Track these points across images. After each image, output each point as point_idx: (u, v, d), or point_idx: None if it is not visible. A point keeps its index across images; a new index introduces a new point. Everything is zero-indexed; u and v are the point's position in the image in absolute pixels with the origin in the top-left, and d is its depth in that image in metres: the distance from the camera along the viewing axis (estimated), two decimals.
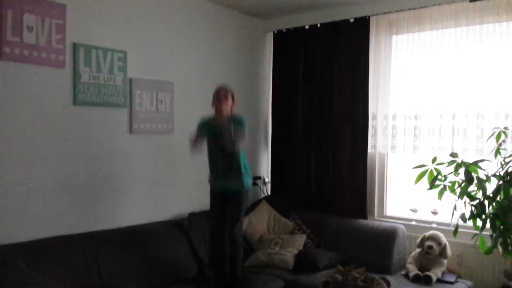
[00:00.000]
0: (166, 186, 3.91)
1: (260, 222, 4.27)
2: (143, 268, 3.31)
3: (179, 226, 3.74)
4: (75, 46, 3.21)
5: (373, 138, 4.20)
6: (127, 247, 3.31)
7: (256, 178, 4.82)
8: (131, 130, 3.62)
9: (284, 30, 4.74)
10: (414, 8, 3.92)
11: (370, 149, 4.20)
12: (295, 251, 3.90)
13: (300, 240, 4.03)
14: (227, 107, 3.38)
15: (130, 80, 3.59)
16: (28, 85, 2.98)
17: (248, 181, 3.47)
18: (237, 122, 3.36)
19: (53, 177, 3.13)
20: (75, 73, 3.22)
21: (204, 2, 4.23)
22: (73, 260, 2.99)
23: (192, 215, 3.92)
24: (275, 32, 4.82)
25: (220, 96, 3.38)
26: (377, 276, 2.74)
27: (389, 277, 3.22)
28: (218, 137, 3.35)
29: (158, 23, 3.82)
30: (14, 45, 2.89)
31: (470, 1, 3.66)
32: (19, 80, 2.94)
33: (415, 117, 3.96)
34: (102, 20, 3.40)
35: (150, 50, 3.76)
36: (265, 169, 4.97)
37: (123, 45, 3.53)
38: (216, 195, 3.50)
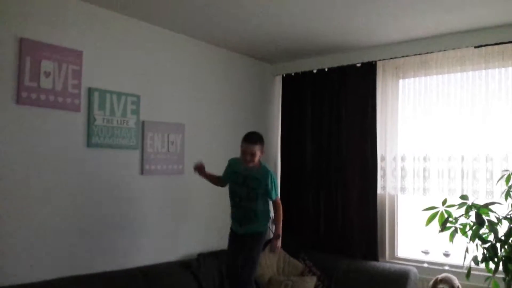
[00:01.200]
0: (175, 226, 3.92)
1: (269, 263, 4.23)
2: None
3: (188, 267, 3.72)
4: (90, 91, 3.31)
5: (382, 179, 4.21)
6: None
7: None
8: (142, 171, 3.67)
9: (293, 74, 4.84)
10: (420, 54, 4.02)
11: (379, 190, 4.21)
12: None
13: (310, 283, 3.99)
14: (253, 161, 3.44)
15: (143, 122, 3.67)
16: (43, 128, 3.05)
17: (265, 225, 3.59)
18: (262, 175, 3.45)
19: (64, 218, 3.16)
20: (90, 116, 3.30)
21: (214, 47, 4.36)
22: None
23: (201, 256, 3.91)
24: (284, 75, 4.93)
25: (246, 155, 3.42)
26: None
27: None
28: (245, 181, 3.48)
29: (170, 68, 3.93)
30: (32, 90, 2.98)
31: (475, 47, 3.74)
32: (35, 124, 3.01)
33: (424, 159, 3.98)
34: (117, 66, 3.51)
35: (162, 94, 3.86)
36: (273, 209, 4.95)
37: (136, 89, 3.63)
38: (234, 233, 3.59)
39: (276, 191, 3.56)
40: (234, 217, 3.59)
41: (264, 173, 3.48)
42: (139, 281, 3.36)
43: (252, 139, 3.44)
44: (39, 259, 3.01)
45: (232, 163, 3.64)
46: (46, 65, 3.06)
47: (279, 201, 3.58)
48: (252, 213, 3.50)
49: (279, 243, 3.53)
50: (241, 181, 3.50)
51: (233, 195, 3.57)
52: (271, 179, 3.49)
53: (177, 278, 3.59)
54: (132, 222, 3.59)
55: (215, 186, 4.21)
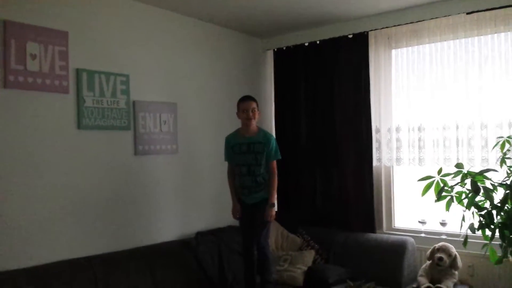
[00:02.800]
0: (172, 206, 3.91)
1: None
2: None
3: (186, 246, 3.73)
4: (78, 72, 3.25)
5: (378, 151, 4.20)
6: (136, 269, 3.31)
7: None
8: (135, 152, 3.64)
9: (284, 48, 4.78)
10: (411, 22, 3.96)
11: (375, 163, 4.20)
12: (304, 268, 3.87)
13: (309, 256, 4.01)
14: (255, 121, 3.55)
15: (133, 102, 3.62)
16: (32, 112, 3.01)
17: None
18: (266, 139, 3.54)
19: (59, 201, 3.14)
20: (79, 98, 3.25)
21: (203, 23, 4.28)
22: (82, 284, 2.99)
23: (199, 234, 3.92)
24: (275, 50, 4.86)
25: (249, 112, 3.50)
26: None
27: None
28: (249, 148, 3.52)
29: (158, 46, 3.86)
30: (18, 73, 2.93)
31: (467, 14, 3.69)
32: (23, 107, 2.97)
33: (419, 129, 3.96)
34: (104, 45, 3.44)
35: (152, 72, 3.80)
36: None
37: (125, 68, 3.57)
38: (245, 207, 3.61)
39: (277, 153, 3.61)
40: (245, 185, 3.57)
41: (265, 135, 3.59)
42: (140, 261, 3.37)
43: (249, 97, 3.60)
44: (36, 243, 3.00)
45: (230, 139, 3.66)
46: (32, 47, 3.00)
47: (275, 165, 3.61)
48: (260, 178, 3.54)
49: (273, 211, 3.56)
50: (245, 149, 3.54)
51: (241, 165, 3.57)
52: (274, 140, 3.60)
53: (177, 257, 3.61)
54: (128, 203, 3.58)
55: (210, 166, 4.22)
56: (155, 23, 3.85)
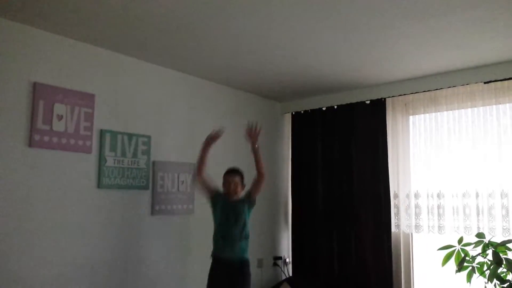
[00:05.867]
0: (185, 267, 3.86)
1: None
2: None
3: None
4: (101, 132, 3.35)
5: (396, 217, 4.14)
6: None
7: (277, 258, 4.74)
8: (152, 211, 3.66)
9: (302, 112, 4.87)
10: (429, 90, 4.02)
11: (394, 229, 4.13)
12: None
13: None
14: (238, 194, 3.47)
15: (153, 162, 3.69)
16: (55, 170, 3.08)
17: (247, 252, 3.47)
18: (247, 203, 3.46)
19: (74, 258, 3.14)
20: (101, 158, 3.33)
21: (223, 87, 4.42)
22: None
23: None
24: (293, 113, 4.96)
25: (230, 185, 3.44)
26: None
27: None
28: (229, 214, 3.42)
29: (180, 108, 3.98)
30: (44, 133, 3.03)
31: (484, 83, 3.74)
32: (47, 165, 3.05)
33: (438, 196, 3.92)
34: (128, 107, 3.56)
35: (173, 134, 3.89)
36: (285, 249, 4.89)
37: (147, 130, 3.67)
38: (220, 265, 3.38)
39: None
40: (226, 235, 3.41)
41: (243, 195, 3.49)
42: None
43: (233, 170, 3.55)
44: None
45: (217, 194, 3.52)
46: (59, 108, 3.12)
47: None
48: (245, 231, 3.46)
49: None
50: (230, 209, 3.43)
51: (226, 216, 3.45)
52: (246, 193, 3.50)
53: None
54: (142, 264, 3.55)
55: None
56: (177, 86, 3.98)
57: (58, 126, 3.10)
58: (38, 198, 2.99)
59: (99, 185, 3.31)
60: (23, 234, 2.89)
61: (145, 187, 3.61)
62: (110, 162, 3.38)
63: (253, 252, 4.43)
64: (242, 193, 3.48)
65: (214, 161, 4.23)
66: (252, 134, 3.55)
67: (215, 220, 3.48)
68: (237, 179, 3.48)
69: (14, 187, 2.88)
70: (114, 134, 3.42)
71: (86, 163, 3.26)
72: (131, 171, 3.51)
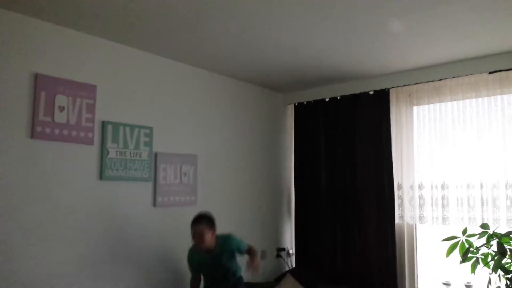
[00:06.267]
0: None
1: None
2: None
3: None
4: (103, 124, 3.33)
5: (400, 208, 4.12)
6: None
7: (280, 249, 4.74)
8: (155, 203, 3.65)
9: (305, 103, 4.84)
10: (433, 80, 3.99)
11: (397, 220, 4.12)
12: None
13: None
14: (208, 242, 3.28)
15: (156, 154, 3.67)
16: (57, 161, 3.08)
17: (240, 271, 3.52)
18: (228, 247, 3.38)
19: (77, 250, 3.15)
20: (103, 149, 3.31)
21: (226, 78, 4.39)
22: None
23: None
24: (296, 104, 4.93)
25: (195, 236, 3.26)
26: None
27: None
28: (214, 263, 3.37)
29: (182, 99, 3.96)
30: (46, 124, 3.01)
31: (489, 73, 3.70)
32: (49, 157, 3.04)
33: (442, 187, 3.90)
34: (130, 98, 3.54)
35: (175, 125, 3.87)
36: (288, 240, 4.89)
37: (149, 121, 3.65)
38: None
39: (243, 245, 3.46)
40: (209, 285, 3.49)
41: (224, 243, 3.39)
42: None
43: (197, 219, 3.32)
44: None
45: (190, 255, 3.46)
46: (60, 99, 3.10)
47: (251, 247, 3.49)
48: (230, 275, 3.45)
49: (257, 259, 3.39)
50: (210, 264, 3.39)
51: (210, 278, 3.48)
52: (234, 242, 3.42)
53: None
54: (145, 254, 3.56)
55: (228, 217, 4.19)
56: (179, 77, 3.96)
57: (59, 117, 3.09)
58: (40, 190, 2.98)
59: (101, 177, 3.30)
60: (25, 226, 2.89)
61: (148, 179, 3.60)
62: (112, 153, 3.37)
63: (256, 243, 4.44)
64: (212, 240, 3.31)
65: (216, 154, 4.24)
66: (252, 267, 3.34)
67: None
68: (202, 228, 3.26)
69: (17, 178, 2.88)
70: (116, 125, 3.41)
71: (88, 155, 3.25)
72: (134, 163, 3.50)
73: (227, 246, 3.39)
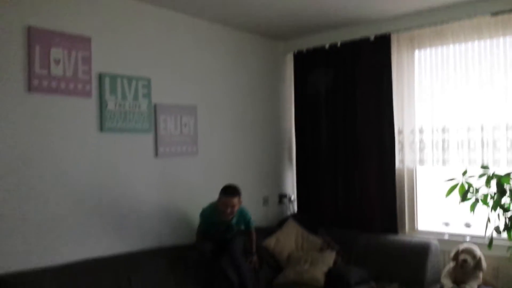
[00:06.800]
0: (191, 207, 3.92)
1: (288, 240, 4.23)
2: None
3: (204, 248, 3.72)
4: (100, 76, 3.30)
5: (400, 153, 4.15)
6: (157, 269, 3.35)
7: (282, 196, 4.81)
8: (156, 154, 3.67)
9: (304, 51, 4.75)
10: (435, 24, 3.90)
11: (398, 164, 4.15)
12: (325, 268, 3.85)
13: (329, 257, 3.98)
14: (233, 214, 3.46)
15: (155, 105, 3.66)
16: (56, 115, 3.08)
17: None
18: (243, 218, 3.58)
19: (82, 202, 3.21)
20: (102, 102, 3.30)
21: (223, 27, 4.30)
22: (106, 282, 3.04)
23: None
24: (295, 52, 4.83)
25: (227, 208, 3.39)
26: None
27: None
28: (221, 231, 3.54)
29: (180, 50, 3.89)
30: (42, 77, 2.99)
31: (491, 15, 3.61)
32: (47, 111, 3.03)
33: (443, 130, 3.91)
34: (126, 50, 3.49)
35: (173, 76, 3.83)
36: (290, 187, 4.96)
37: (147, 72, 3.61)
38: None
39: (252, 223, 3.67)
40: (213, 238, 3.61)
41: (240, 215, 3.55)
42: (161, 261, 3.41)
43: (233, 192, 3.44)
44: (60, 242, 3.08)
45: (208, 217, 3.56)
46: (56, 52, 3.06)
47: (254, 232, 3.71)
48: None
49: (256, 259, 3.71)
50: (222, 229, 3.55)
51: (213, 233, 3.59)
52: (248, 217, 3.63)
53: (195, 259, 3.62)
54: (149, 205, 3.62)
55: (230, 167, 4.23)
56: (177, 28, 3.88)
57: (56, 70, 3.06)
58: (41, 144, 3.00)
59: (102, 129, 3.30)
60: (26, 179, 2.93)
61: (148, 131, 3.61)
62: (111, 105, 3.35)
63: (258, 190, 4.52)
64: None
65: (216, 104, 4.21)
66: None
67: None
68: (236, 202, 3.42)
69: (16, 132, 2.89)
70: (113, 77, 3.37)
71: (87, 108, 3.24)
72: (133, 115, 3.49)
73: (241, 219, 3.58)
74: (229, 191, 3.44)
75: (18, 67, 2.89)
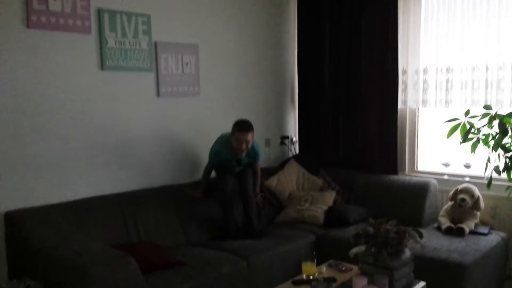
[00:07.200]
0: (193, 147, 3.95)
1: (289, 180, 4.30)
2: (178, 225, 3.45)
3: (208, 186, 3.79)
4: (99, 12, 3.23)
5: (404, 93, 4.12)
6: (161, 206, 3.43)
7: (284, 137, 4.83)
8: (158, 94, 3.65)
9: None
10: None
11: (400, 105, 4.13)
12: (325, 207, 3.93)
13: (329, 197, 4.06)
14: (247, 149, 3.48)
15: (155, 43, 3.60)
16: (56, 52, 3.04)
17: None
18: (252, 153, 3.61)
19: (86, 141, 3.24)
20: (101, 39, 3.25)
21: None
22: (111, 219, 3.14)
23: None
24: None
25: (242, 144, 3.40)
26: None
27: (421, 230, 3.21)
28: (239, 163, 3.61)
29: None
30: (41, 13, 2.93)
31: None
32: (47, 47, 3.00)
33: (447, 71, 3.85)
34: None
35: (173, 14, 3.74)
36: (292, 128, 4.96)
37: (146, 8, 3.52)
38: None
39: (260, 158, 3.76)
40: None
41: (253, 148, 3.58)
42: (165, 199, 3.50)
43: (248, 127, 3.42)
44: (68, 180, 3.15)
45: (220, 152, 3.55)
46: None
47: (259, 167, 3.81)
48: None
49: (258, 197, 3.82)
50: (233, 164, 3.58)
51: (225, 169, 3.62)
52: (259, 152, 3.69)
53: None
54: (152, 144, 3.65)
55: (232, 107, 4.21)
56: None
57: (54, 5, 2.99)
58: (41, 81, 2.99)
59: (103, 67, 3.27)
60: (25, 116, 2.94)
61: (149, 69, 3.57)
62: (111, 43, 3.30)
63: (261, 132, 4.53)
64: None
65: (217, 43, 4.13)
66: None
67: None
68: (250, 137, 3.42)
69: (16, 69, 2.88)
70: (112, 13, 3.30)
71: (87, 45, 3.20)
72: (134, 52, 3.45)
73: (253, 153, 3.60)
74: (244, 126, 3.41)
75: (17, 3, 2.84)
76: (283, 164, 4.49)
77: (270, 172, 4.29)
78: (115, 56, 3.33)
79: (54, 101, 3.06)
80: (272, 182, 4.22)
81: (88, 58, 3.20)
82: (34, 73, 2.95)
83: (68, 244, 2.57)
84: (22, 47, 2.88)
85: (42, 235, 2.67)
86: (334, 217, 3.83)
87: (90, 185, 3.25)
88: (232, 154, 3.51)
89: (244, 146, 3.40)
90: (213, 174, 3.74)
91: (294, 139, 4.90)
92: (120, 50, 3.35)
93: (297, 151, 4.88)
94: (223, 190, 3.52)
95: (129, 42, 3.41)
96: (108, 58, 3.28)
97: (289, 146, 4.88)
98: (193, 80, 3.92)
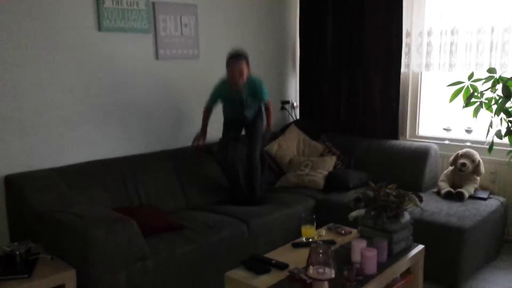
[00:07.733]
0: (193, 110, 3.91)
1: (289, 145, 4.28)
2: (179, 189, 3.45)
3: (209, 150, 3.78)
4: None
5: (407, 56, 4.05)
6: (162, 170, 3.43)
7: (285, 102, 4.79)
8: (157, 56, 3.59)
9: None
10: None
11: (403, 69, 4.06)
12: (325, 172, 3.93)
13: (330, 162, 4.05)
14: (243, 79, 3.32)
15: (153, 3, 3.50)
16: (51, 12, 2.97)
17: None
18: (254, 89, 3.42)
19: (85, 104, 3.20)
20: None
21: None
22: (112, 183, 3.13)
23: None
24: None
25: (235, 72, 3.28)
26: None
27: (420, 194, 3.22)
28: (236, 105, 3.47)
29: None
30: None
31: None
32: (43, 8, 2.92)
33: (452, 33, 3.77)
34: None
35: None
36: (293, 94, 4.91)
37: None
38: (232, 124, 3.63)
39: (267, 96, 3.53)
40: (230, 118, 3.64)
41: (254, 85, 3.43)
42: (166, 163, 3.49)
43: (237, 56, 3.32)
44: (69, 143, 3.14)
45: (218, 90, 3.49)
46: None
47: (270, 103, 3.62)
48: (245, 114, 3.58)
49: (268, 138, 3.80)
50: (234, 101, 3.48)
51: (230, 111, 3.58)
52: (262, 87, 3.47)
53: (200, 160, 3.68)
54: (150, 107, 3.62)
55: None
56: None
57: None
58: (37, 43, 2.93)
59: (100, 28, 3.20)
60: (24, 78, 2.90)
61: (147, 30, 3.49)
62: (108, 3, 3.21)
63: None
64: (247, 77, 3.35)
65: (217, 3, 4.03)
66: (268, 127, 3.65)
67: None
68: (242, 65, 3.29)
69: (10, 30, 2.80)
70: None
71: (83, 4, 3.11)
72: (132, 13, 3.36)
73: (254, 88, 3.44)
74: (234, 55, 3.34)
75: None
76: (283, 129, 4.46)
77: (270, 137, 4.26)
78: (112, 17, 3.24)
79: (53, 64, 3.00)
80: (273, 147, 4.21)
81: (85, 19, 3.13)
82: (30, 31, 2.88)
83: (69, 207, 2.57)
84: (19, 4, 2.82)
85: (43, 198, 2.67)
86: (334, 182, 3.83)
87: (91, 149, 3.24)
88: (232, 90, 3.41)
89: (238, 74, 3.29)
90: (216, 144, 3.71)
91: (294, 104, 4.86)
92: (117, 10, 3.27)
93: (298, 116, 4.84)
94: (224, 160, 3.54)
95: (127, 2, 3.32)
96: (105, 19, 3.20)
97: (290, 111, 4.84)
98: (193, 42, 3.84)
